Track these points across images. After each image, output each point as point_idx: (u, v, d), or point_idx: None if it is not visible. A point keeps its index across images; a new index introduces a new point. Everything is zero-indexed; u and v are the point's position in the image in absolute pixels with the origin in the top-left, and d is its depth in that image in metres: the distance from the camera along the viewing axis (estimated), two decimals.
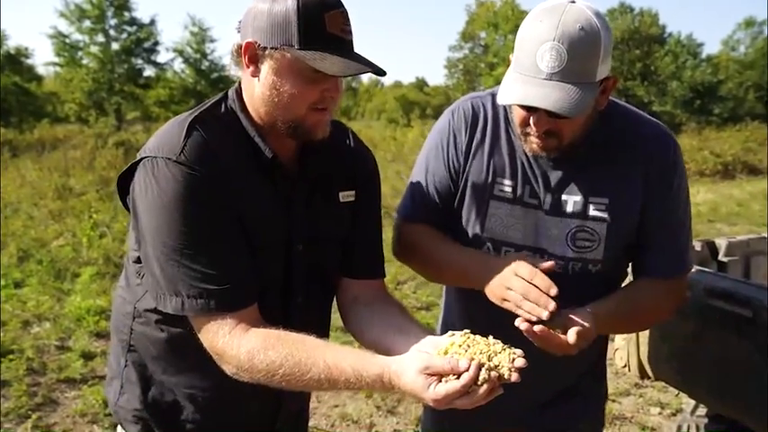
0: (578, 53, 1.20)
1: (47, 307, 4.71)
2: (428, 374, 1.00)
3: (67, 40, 27.20)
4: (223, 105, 1.25)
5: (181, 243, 1.13)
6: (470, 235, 1.45)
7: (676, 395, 3.49)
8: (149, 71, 29.27)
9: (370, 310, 1.34)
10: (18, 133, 18.16)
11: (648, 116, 1.46)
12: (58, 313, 4.61)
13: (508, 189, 1.41)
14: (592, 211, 1.37)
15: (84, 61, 27.52)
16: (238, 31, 1.20)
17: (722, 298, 1.88)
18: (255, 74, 1.17)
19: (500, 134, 1.44)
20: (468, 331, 1.08)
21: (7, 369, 3.64)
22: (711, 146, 15.71)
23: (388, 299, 1.40)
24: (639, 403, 3.55)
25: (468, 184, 1.45)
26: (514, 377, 1.00)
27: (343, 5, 1.15)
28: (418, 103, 40.38)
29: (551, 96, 1.20)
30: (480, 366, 1.00)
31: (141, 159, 1.18)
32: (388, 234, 5.67)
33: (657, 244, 1.40)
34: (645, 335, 2.18)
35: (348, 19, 1.16)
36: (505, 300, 1.27)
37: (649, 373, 2.21)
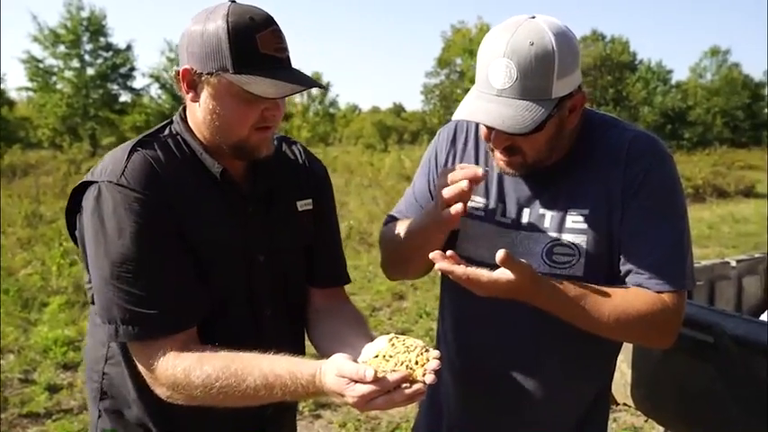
0: (528, 69, 1.16)
1: (12, 338, 4.57)
2: (342, 377, 1.03)
3: (41, 65, 27.02)
4: (168, 129, 1.26)
5: (118, 266, 1.12)
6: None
7: (645, 420, 3.50)
8: (125, 96, 29.33)
9: (326, 320, 1.34)
10: None
11: (630, 123, 1.39)
12: (23, 344, 4.48)
13: (480, 207, 1.40)
14: (569, 224, 1.30)
15: (59, 86, 27.37)
16: (176, 56, 1.20)
17: (686, 324, 1.90)
18: (195, 99, 1.18)
19: (479, 152, 1.43)
20: (393, 336, 1.10)
21: None
22: (682, 170, 15.81)
23: (347, 308, 1.40)
24: (613, 428, 3.55)
25: None
26: (429, 379, 1.02)
27: (275, 23, 1.15)
28: (395, 129, 40.68)
29: (496, 112, 1.18)
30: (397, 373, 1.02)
31: (87, 187, 1.17)
32: (364, 260, 5.64)
33: (633, 253, 1.27)
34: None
35: (281, 36, 1.16)
36: (443, 204, 1.24)
37: (618, 399, 2.22)
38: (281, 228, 1.31)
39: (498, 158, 1.31)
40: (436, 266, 1.20)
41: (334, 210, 1.46)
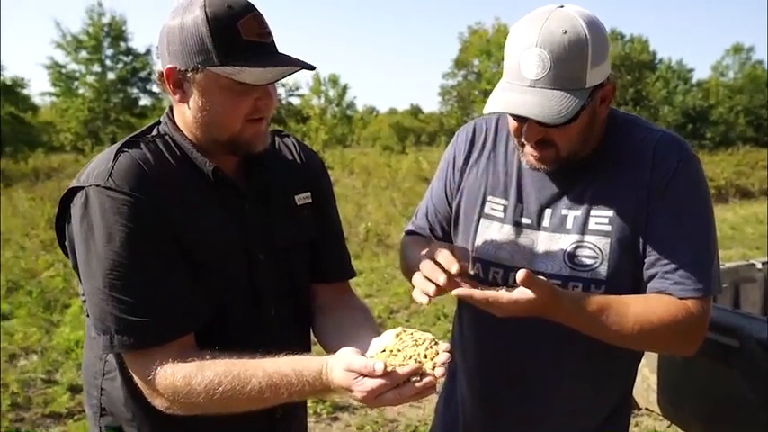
0: (562, 58, 1.14)
1: (35, 339, 4.64)
2: (351, 371, 1.00)
3: (63, 71, 27.51)
4: (156, 130, 1.23)
5: (109, 273, 1.07)
6: None
7: (668, 425, 3.44)
8: (145, 100, 29.61)
9: (332, 315, 1.31)
10: (12, 163, 18.14)
11: (653, 123, 1.37)
12: (46, 345, 4.55)
13: (499, 208, 1.37)
14: (592, 225, 1.27)
15: (80, 91, 27.80)
16: (158, 57, 1.16)
17: (710, 328, 1.86)
18: (184, 99, 1.14)
19: (498, 153, 1.41)
20: (400, 330, 1.07)
21: None
22: (704, 170, 15.59)
23: (352, 302, 1.37)
24: None
25: (462, 202, 1.44)
26: (439, 372, 0.99)
27: (254, 8, 1.11)
28: (413, 130, 40.62)
29: (532, 103, 1.15)
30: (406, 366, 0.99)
31: (73, 194, 1.12)
32: (381, 261, 5.64)
33: (657, 258, 1.24)
34: None
35: (263, 21, 1.12)
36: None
37: (639, 404, 2.18)
38: (281, 224, 1.28)
39: (529, 153, 1.28)
40: (453, 293, 1.17)
41: (333, 202, 1.43)
